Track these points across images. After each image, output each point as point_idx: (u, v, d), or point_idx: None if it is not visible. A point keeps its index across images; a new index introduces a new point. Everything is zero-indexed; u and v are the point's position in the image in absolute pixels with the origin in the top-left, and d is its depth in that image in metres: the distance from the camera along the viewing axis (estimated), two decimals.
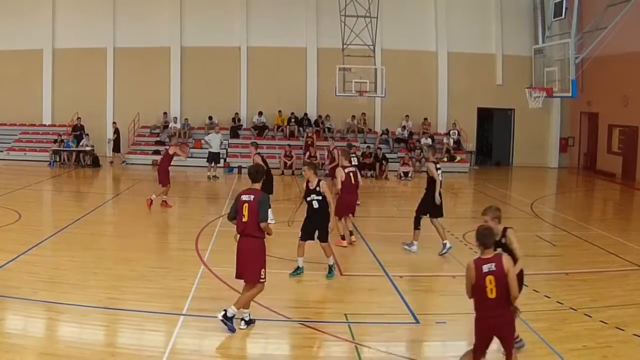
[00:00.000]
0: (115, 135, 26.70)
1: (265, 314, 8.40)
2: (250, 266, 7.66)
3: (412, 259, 11.77)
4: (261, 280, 7.73)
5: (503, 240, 7.07)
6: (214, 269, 10.31)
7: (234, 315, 7.68)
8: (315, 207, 10.03)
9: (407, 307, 8.83)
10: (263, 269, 7.70)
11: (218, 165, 23.72)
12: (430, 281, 10.17)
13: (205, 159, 23.75)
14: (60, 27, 28.19)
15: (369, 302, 9.10)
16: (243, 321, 7.77)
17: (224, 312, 7.64)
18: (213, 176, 22.78)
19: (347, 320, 8.34)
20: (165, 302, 8.76)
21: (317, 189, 9.95)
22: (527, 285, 9.44)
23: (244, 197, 7.66)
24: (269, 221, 7.69)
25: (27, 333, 7.56)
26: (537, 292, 9.49)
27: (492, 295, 5.98)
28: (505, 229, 7.21)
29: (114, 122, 27.13)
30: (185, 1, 28.33)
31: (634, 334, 7.82)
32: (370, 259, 11.51)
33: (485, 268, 6.00)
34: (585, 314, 8.54)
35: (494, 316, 6.06)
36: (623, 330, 7.97)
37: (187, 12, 28.34)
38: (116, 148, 26.70)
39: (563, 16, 19.78)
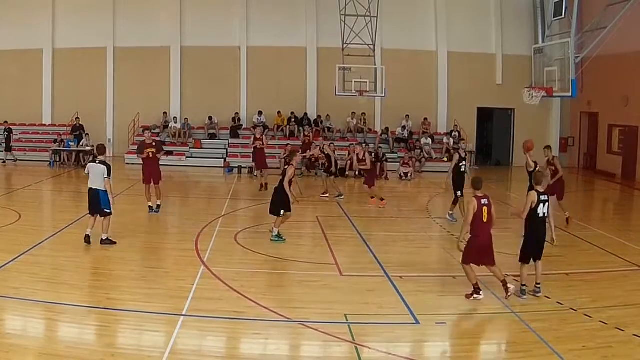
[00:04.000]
0: (7, 134, 25.93)
1: (265, 314, 8.40)
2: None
3: (412, 259, 11.77)
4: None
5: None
6: (214, 269, 10.31)
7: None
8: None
9: (407, 308, 8.83)
10: None
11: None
12: (430, 281, 10.17)
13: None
14: (60, 27, 28.19)
15: (369, 303, 9.09)
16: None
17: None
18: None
19: (347, 320, 8.34)
20: (165, 303, 8.75)
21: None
22: (526, 286, 9.48)
23: (483, 202, 9.13)
24: None
25: (27, 333, 7.56)
26: (539, 296, 9.48)
27: (485, 220, 9.02)
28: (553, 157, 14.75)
29: (5, 122, 26.43)
30: (185, 1, 28.32)
31: (634, 335, 7.82)
32: (370, 259, 11.51)
33: (482, 202, 9.05)
34: (585, 315, 8.54)
35: (486, 234, 9.07)
36: (623, 330, 7.96)
37: (187, 12, 28.33)
38: (7, 147, 25.85)
39: (563, 16, 19.76)
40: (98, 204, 11.67)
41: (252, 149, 20.33)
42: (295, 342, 7.82)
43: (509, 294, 9.06)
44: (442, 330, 8.19)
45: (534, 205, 9.12)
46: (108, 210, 11.68)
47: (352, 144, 21.89)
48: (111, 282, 9.57)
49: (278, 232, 12.51)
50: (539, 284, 9.36)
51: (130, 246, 12.08)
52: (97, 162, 11.88)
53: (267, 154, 20.54)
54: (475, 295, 9.12)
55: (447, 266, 11.38)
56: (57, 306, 8.38)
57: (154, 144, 15.80)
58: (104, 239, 11.68)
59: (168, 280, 9.87)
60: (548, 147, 15.72)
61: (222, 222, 14.58)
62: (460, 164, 15.14)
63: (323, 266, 11.03)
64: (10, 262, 10.30)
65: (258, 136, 19.99)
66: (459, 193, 14.97)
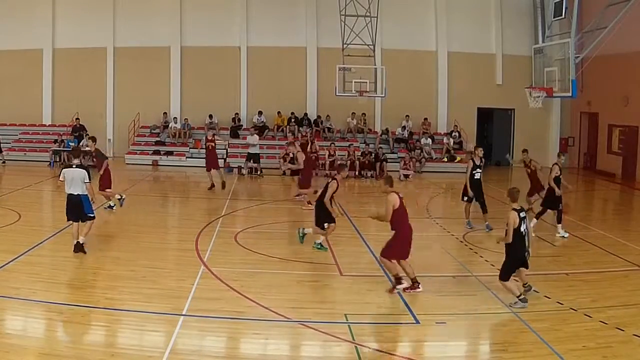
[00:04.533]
0: None
1: (265, 314, 8.40)
2: None
3: (412, 259, 11.74)
4: None
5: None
6: (214, 269, 10.31)
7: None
8: None
9: (407, 307, 8.83)
10: None
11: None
12: (430, 281, 10.16)
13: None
14: (60, 27, 28.19)
15: (369, 302, 9.10)
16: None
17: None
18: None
19: (347, 320, 8.34)
20: (165, 303, 8.75)
21: None
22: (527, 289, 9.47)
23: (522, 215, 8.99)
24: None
25: (27, 333, 7.57)
26: (537, 292, 9.49)
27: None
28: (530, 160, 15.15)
29: None
30: (185, 1, 28.33)
31: (634, 335, 7.82)
32: (370, 259, 11.51)
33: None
34: (585, 315, 8.54)
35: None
36: (623, 330, 7.97)
37: (187, 12, 28.33)
38: None
39: (563, 16, 19.76)
40: (81, 210, 10.99)
41: (205, 150, 20.75)
42: (295, 342, 7.82)
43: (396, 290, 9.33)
44: (442, 330, 8.19)
45: (515, 226, 8.77)
46: (92, 215, 11.16)
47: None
48: (111, 282, 9.56)
49: (321, 243, 12.02)
50: (526, 284, 9.32)
51: (130, 246, 12.08)
52: (74, 166, 11.01)
53: (267, 154, 20.54)
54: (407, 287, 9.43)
55: (447, 266, 11.39)
56: (57, 306, 8.39)
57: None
58: (80, 242, 10.99)
59: (168, 280, 9.87)
60: (525, 151, 15.98)
61: (222, 222, 14.58)
62: (474, 172, 14.39)
63: (323, 266, 11.04)
64: (10, 262, 10.30)
65: (210, 137, 20.27)
66: (465, 198, 14.56)
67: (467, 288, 9.89)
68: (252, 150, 24.27)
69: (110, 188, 15.36)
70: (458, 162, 26.42)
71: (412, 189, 22.67)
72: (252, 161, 24.14)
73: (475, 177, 14.45)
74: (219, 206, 17.03)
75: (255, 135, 24.87)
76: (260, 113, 27.75)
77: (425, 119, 28.17)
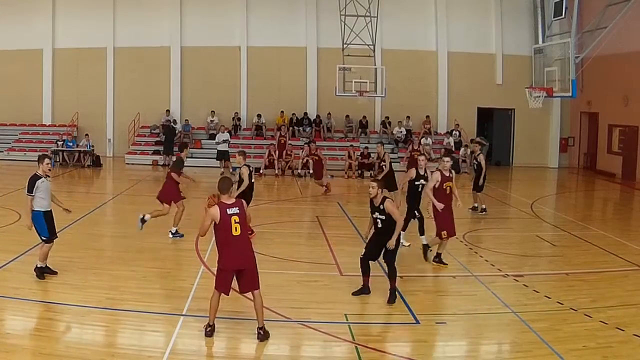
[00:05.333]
0: None
1: (265, 314, 8.39)
2: None
3: (412, 259, 11.75)
4: None
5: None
6: (214, 269, 10.26)
7: None
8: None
9: (407, 307, 8.83)
10: None
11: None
12: (430, 281, 10.17)
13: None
14: (60, 27, 28.21)
15: (369, 302, 9.09)
16: None
17: None
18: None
19: (347, 320, 8.34)
20: (165, 303, 8.76)
21: (381, 207, 9.11)
22: (527, 286, 9.49)
23: None
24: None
25: (27, 333, 7.57)
26: (538, 292, 9.50)
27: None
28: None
29: None
30: (185, 1, 28.33)
31: (634, 335, 7.82)
32: None
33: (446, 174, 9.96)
34: (585, 314, 8.54)
35: None
36: (623, 330, 7.96)
37: (187, 12, 28.34)
38: None
39: (563, 16, 19.79)
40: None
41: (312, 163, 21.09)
42: (295, 342, 7.82)
43: None
44: (442, 330, 8.19)
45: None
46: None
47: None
48: (111, 282, 9.56)
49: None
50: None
51: (130, 246, 12.07)
52: (46, 177, 9.57)
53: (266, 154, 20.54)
54: None
55: (447, 266, 11.38)
56: (57, 306, 8.39)
57: None
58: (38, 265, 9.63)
59: (168, 280, 9.87)
60: (473, 141, 17.14)
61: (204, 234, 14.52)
62: (417, 182, 12.17)
63: (323, 266, 11.04)
64: (10, 262, 10.31)
65: (313, 150, 20.82)
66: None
67: (467, 288, 9.88)
68: (221, 148, 24.38)
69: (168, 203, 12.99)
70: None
71: None
72: (222, 160, 24.06)
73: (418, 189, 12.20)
74: None
75: (226, 132, 24.97)
76: (259, 115, 27.75)
77: (427, 116, 28.16)
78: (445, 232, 10.82)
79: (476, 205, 16.66)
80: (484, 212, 16.39)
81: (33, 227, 9.46)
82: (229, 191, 7.49)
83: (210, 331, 7.49)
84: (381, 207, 9.13)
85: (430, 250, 11.25)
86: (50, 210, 9.61)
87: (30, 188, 9.32)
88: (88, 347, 7.18)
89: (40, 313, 8.20)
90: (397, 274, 9.21)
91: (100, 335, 7.63)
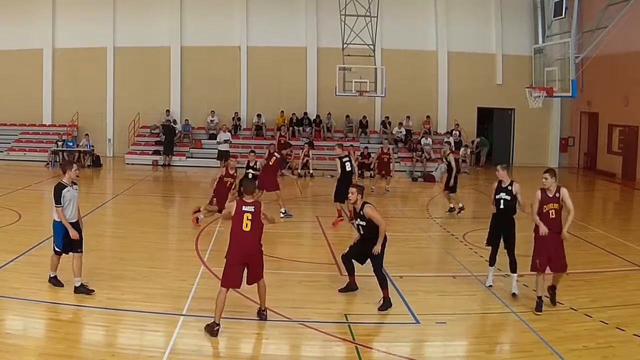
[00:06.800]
0: None
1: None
2: None
3: (412, 259, 11.77)
4: None
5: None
6: (214, 269, 10.29)
7: None
8: (361, 232, 9.08)
9: (407, 307, 8.83)
10: None
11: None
12: (430, 281, 10.17)
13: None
14: (60, 27, 28.20)
15: (369, 302, 9.08)
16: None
17: None
18: None
19: (347, 320, 8.34)
20: (166, 303, 8.75)
21: (361, 213, 8.95)
22: (527, 286, 9.48)
23: None
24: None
25: (27, 333, 7.56)
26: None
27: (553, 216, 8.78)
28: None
29: None
30: (185, 1, 28.33)
31: (634, 335, 7.82)
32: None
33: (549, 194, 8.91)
34: (585, 314, 8.55)
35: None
36: (623, 330, 7.96)
37: (187, 12, 28.34)
38: None
39: (563, 15, 19.76)
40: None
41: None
42: (295, 342, 7.82)
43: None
44: (442, 330, 8.19)
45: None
46: (56, 248, 9.11)
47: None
48: (111, 281, 9.56)
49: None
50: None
51: (130, 246, 12.08)
52: (72, 184, 9.01)
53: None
54: None
55: (447, 266, 11.39)
56: (57, 306, 8.39)
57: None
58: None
59: (168, 280, 9.87)
60: (447, 143, 17.32)
61: (222, 222, 14.55)
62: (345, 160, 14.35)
63: (323, 266, 11.04)
64: (10, 262, 10.31)
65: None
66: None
67: (467, 288, 9.88)
68: (222, 148, 24.38)
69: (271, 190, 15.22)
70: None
71: (412, 188, 22.69)
72: (222, 160, 23.88)
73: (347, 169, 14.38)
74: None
75: (227, 132, 25.01)
76: (259, 115, 27.75)
77: (428, 116, 28.15)
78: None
79: (452, 206, 16.40)
80: (461, 212, 16.15)
81: (77, 235, 8.86)
82: (252, 192, 8.23)
83: (217, 330, 7.59)
84: (361, 212, 8.93)
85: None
86: (76, 221, 8.99)
87: (58, 199, 8.72)
88: (88, 347, 7.19)
89: (40, 313, 8.20)
90: (398, 275, 9.21)
91: (100, 335, 7.63)
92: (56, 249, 9.07)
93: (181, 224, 15.32)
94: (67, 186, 8.88)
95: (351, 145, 25.54)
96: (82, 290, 8.85)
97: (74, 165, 9.16)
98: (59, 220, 8.86)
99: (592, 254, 12.43)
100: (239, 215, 7.88)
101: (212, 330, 7.60)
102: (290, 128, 27.37)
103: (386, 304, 8.71)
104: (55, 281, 9.16)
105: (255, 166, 15.38)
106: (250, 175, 14.78)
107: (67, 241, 8.90)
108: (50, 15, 28.02)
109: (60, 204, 8.75)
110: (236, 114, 28.09)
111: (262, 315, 8.16)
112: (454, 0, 28.48)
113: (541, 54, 21.46)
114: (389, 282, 9.54)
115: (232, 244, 7.90)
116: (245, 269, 7.90)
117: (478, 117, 29.16)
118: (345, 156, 14.66)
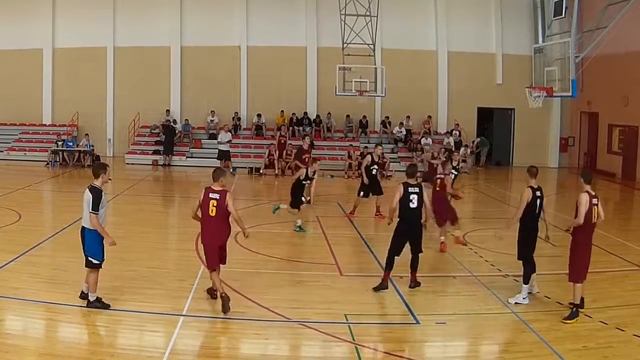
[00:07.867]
0: None
1: (265, 314, 8.40)
2: None
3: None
4: None
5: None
6: None
7: None
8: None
9: (407, 308, 8.83)
10: None
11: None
12: (430, 281, 10.16)
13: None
14: (60, 27, 28.19)
15: (369, 302, 9.09)
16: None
17: None
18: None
19: (347, 320, 8.34)
20: (165, 303, 8.75)
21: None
22: (517, 281, 9.46)
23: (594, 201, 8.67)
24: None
25: (27, 334, 7.56)
26: (538, 292, 9.49)
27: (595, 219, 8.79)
28: None
29: None
30: (185, 1, 28.33)
31: (634, 335, 7.82)
32: (370, 259, 11.51)
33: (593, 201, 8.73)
34: (585, 314, 8.54)
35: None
36: (623, 330, 7.97)
37: (187, 12, 28.33)
38: None
39: (563, 15, 19.76)
40: (83, 248, 8.59)
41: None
42: (295, 342, 7.82)
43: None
44: (442, 330, 8.19)
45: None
46: (94, 260, 8.44)
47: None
48: (111, 282, 9.55)
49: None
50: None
51: (130, 246, 12.07)
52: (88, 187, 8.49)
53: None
54: None
55: (447, 266, 11.39)
56: (57, 306, 8.38)
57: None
58: (84, 291, 8.56)
59: (168, 280, 9.86)
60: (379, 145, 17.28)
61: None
62: (372, 167, 15.35)
63: (323, 266, 11.03)
64: (10, 262, 10.30)
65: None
66: (361, 194, 15.42)
67: (467, 288, 9.89)
68: (222, 148, 24.41)
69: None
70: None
71: None
72: (222, 159, 24.06)
73: (372, 173, 15.41)
74: None
75: (228, 132, 25.02)
76: (259, 115, 27.75)
77: (429, 116, 28.15)
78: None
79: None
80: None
81: (114, 242, 8.42)
82: (218, 180, 8.68)
83: (227, 297, 8.29)
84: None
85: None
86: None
87: (96, 205, 8.17)
88: (88, 347, 7.19)
89: (40, 313, 8.19)
90: (398, 275, 9.22)
91: (100, 335, 7.64)
92: (95, 261, 8.27)
93: (181, 224, 15.32)
94: (102, 190, 8.44)
95: (351, 145, 25.63)
96: (98, 305, 8.24)
97: (107, 168, 8.65)
98: (92, 228, 8.23)
99: (592, 254, 12.30)
100: (206, 201, 8.57)
101: (222, 298, 8.29)
102: (290, 128, 27.35)
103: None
104: (100, 304, 8.25)
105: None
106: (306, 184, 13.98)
107: (103, 248, 8.35)
108: (50, 15, 28.01)
109: (97, 210, 8.22)
110: (236, 114, 28.09)
111: (222, 297, 8.41)
112: (454, 0, 28.48)
113: (541, 54, 21.45)
114: (389, 282, 9.57)
115: (201, 228, 8.72)
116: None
117: (478, 117, 29.16)
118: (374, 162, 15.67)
